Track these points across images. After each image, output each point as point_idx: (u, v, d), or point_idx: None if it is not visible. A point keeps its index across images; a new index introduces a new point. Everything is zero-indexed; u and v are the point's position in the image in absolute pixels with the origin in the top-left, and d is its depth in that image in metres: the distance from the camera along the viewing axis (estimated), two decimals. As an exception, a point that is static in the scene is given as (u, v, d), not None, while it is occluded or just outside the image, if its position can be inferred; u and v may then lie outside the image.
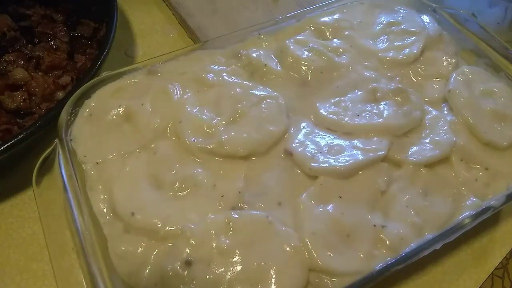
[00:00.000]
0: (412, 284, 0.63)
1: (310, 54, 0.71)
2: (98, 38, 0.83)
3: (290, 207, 0.56)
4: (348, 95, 0.68)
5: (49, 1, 0.88)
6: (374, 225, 0.54)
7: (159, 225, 0.52)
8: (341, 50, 0.73)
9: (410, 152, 0.61)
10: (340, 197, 0.56)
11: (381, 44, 0.76)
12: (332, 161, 0.58)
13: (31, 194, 0.67)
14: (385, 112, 0.64)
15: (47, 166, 0.57)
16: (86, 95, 0.63)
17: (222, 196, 0.56)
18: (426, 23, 0.78)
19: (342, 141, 0.61)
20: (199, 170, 0.58)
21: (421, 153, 0.61)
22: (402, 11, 0.81)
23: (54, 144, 0.58)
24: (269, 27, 0.76)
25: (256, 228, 0.52)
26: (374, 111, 0.65)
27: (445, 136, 0.63)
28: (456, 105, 0.66)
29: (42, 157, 0.57)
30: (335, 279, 0.50)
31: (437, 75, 0.72)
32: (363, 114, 0.64)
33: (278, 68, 0.71)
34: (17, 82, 0.73)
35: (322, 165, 0.57)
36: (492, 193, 0.60)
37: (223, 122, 0.62)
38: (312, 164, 0.57)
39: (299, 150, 0.59)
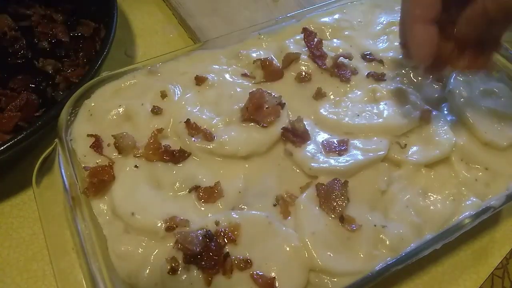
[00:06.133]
0: (412, 284, 0.63)
1: (310, 54, 0.71)
2: (98, 38, 0.83)
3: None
4: (348, 95, 0.68)
5: (49, 1, 0.88)
6: (374, 225, 0.54)
7: (159, 225, 0.52)
8: (341, 50, 0.73)
9: (410, 152, 0.61)
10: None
11: (381, 44, 0.76)
12: (332, 161, 0.58)
13: (31, 194, 0.67)
14: (385, 112, 0.64)
15: (47, 166, 0.57)
16: (86, 95, 0.63)
17: (223, 196, 0.56)
18: (426, 23, 0.78)
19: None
20: (199, 170, 0.58)
21: (421, 153, 0.61)
22: (402, 11, 0.81)
23: (54, 144, 0.58)
24: (269, 27, 0.76)
25: (256, 228, 0.52)
26: (374, 111, 0.65)
27: (445, 136, 0.63)
28: (456, 105, 0.66)
29: (42, 157, 0.57)
30: (335, 279, 0.50)
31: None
32: (363, 114, 0.64)
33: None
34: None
35: (322, 165, 0.57)
36: (492, 193, 0.60)
37: (223, 122, 0.62)
38: (312, 164, 0.57)
39: (299, 150, 0.59)
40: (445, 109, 0.68)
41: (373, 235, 0.53)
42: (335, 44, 0.75)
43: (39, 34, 0.85)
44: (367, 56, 0.74)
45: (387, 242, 0.53)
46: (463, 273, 0.65)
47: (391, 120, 0.63)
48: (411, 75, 0.72)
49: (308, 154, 0.59)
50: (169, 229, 0.51)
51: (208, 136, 0.59)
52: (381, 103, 0.66)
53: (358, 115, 0.64)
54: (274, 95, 0.64)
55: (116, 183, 0.56)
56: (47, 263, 0.62)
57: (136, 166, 0.57)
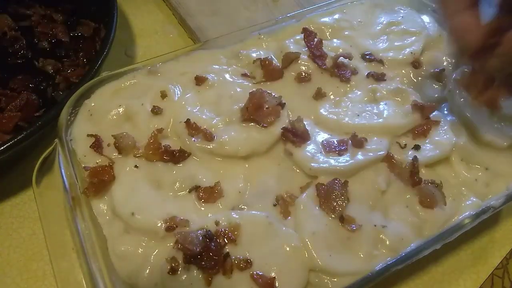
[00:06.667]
0: (412, 284, 0.63)
1: (310, 54, 0.71)
2: (98, 38, 0.83)
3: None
4: (348, 95, 0.68)
5: (49, 1, 0.88)
6: (375, 225, 0.54)
7: (159, 225, 0.52)
8: (341, 50, 0.74)
9: (410, 152, 0.61)
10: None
11: (381, 44, 0.76)
12: (332, 161, 0.58)
13: (31, 194, 0.67)
14: (385, 112, 0.64)
15: (47, 166, 0.57)
16: (86, 95, 0.63)
17: (222, 196, 0.56)
18: (426, 23, 0.79)
19: (342, 141, 0.61)
20: (199, 170, 0.58)
21: (421, 153, 0.61)
22: (402, 11, 0.81)
23: (54, 144, 0.58)
24: (269, 27, 0.76)
25: (256, 228, 0.52)
26: (374, 111, 0.65)
27: (445, 136, 0.63)
28: (456, 105, 0.66)
29: (42, 157, 0.57)
30: (335, 279, 0.50)
31: (437, 75, 0.72)
32: (363, 114, 0.64)
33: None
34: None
35: (322, 165, 0.57)
36: (492, 193, 0.60)
37: (223, 122, 0.62)
38: (312, 164, 0.57)
39: (299, 150, 0.59)
40: (445, 109, 0.68)
41: (373, 235, 0.53)
42: (335, 44, 0.75)
43: (39, 34, 0.85)
44: (367, 56, 0.74)
45: (387, 242, 0.53)
46: (463, 273, 0.65)
47: (391, 120, 0.63)
48: (411, 75, 0.72)
49: (308, 154, 0.59)
50: (169, 229, 0.51)
51: (208, 136, 0.59)
52: (381, 103, 0.66)
53: (358, 115, 0.64)
54: (274, 95, 0.64)
55: (116, 183, 0.56)
56: (47, 263, 0.62)
57: (136, 166, 0.57)
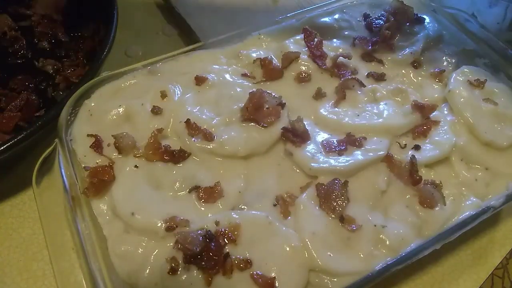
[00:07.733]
0: (412, 284, 0.63)
1: (310, 54, 0.71)
2: (98, 38, 0.83)
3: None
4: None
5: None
6: (375, 225, 0.54)
7: (159, 225, 0.52)
8: (341, 50, 0.74)
9: (410, 152, 0.61)
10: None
11: (381, 44, 0.76)
12: (332, 161, 0.58)
13: (31, 194, 0.67)
14: (385, 112, 0.64)
15: (47, 166, 0.57)
16: (86, 95, 0.63)
17: (222, 196, 0.56)
18: (426, 23, 0.79)
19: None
20: (199, 170, 0.58)
21: (421, 153, 0.61)
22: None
23: (54, 144, 0.58)
24: (269, 27, 0.76)
25: (256, 228, 0.52)
26: (374, 111, 0.65)
27: (445, 136, 0.63)
28: (456, 105, 0.66)
29: (42, 157, 0.57)
30: (335, 279, 0.50)
31: (437, 75, 0.72)
32: (363, 114, 0.64)
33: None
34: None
35: (322, 165, 0.57)
36: (492, 193, 0.60)
37: (223, 122, 0.62)
38: (312, 164, 0.57)
39: (299, 150, 0.59)
40: (445, 109, 0.68)
41: (373, 235, 0.53)
42: (335, 44, 0.75)
43: (39, 34, 0.85)
44: (367, 56, 0.74)
45: (387, 242, 0.53)
46: (463, 273, 0.65)
47: (391, 120, 0.63)
48: (411, 75, 0.72)
49: (308, 154, 0.59)
50: (169, 229, 0.51)
51: (208, 136, 0.59)
52: (381, 103, 0.66)
53: (358, 115, 0.64)
54: (274, 95, 0.64)
55: (116, 183, 0.56)
56: (47, 263, 0.62)
57: (136, 166, 0.57)
